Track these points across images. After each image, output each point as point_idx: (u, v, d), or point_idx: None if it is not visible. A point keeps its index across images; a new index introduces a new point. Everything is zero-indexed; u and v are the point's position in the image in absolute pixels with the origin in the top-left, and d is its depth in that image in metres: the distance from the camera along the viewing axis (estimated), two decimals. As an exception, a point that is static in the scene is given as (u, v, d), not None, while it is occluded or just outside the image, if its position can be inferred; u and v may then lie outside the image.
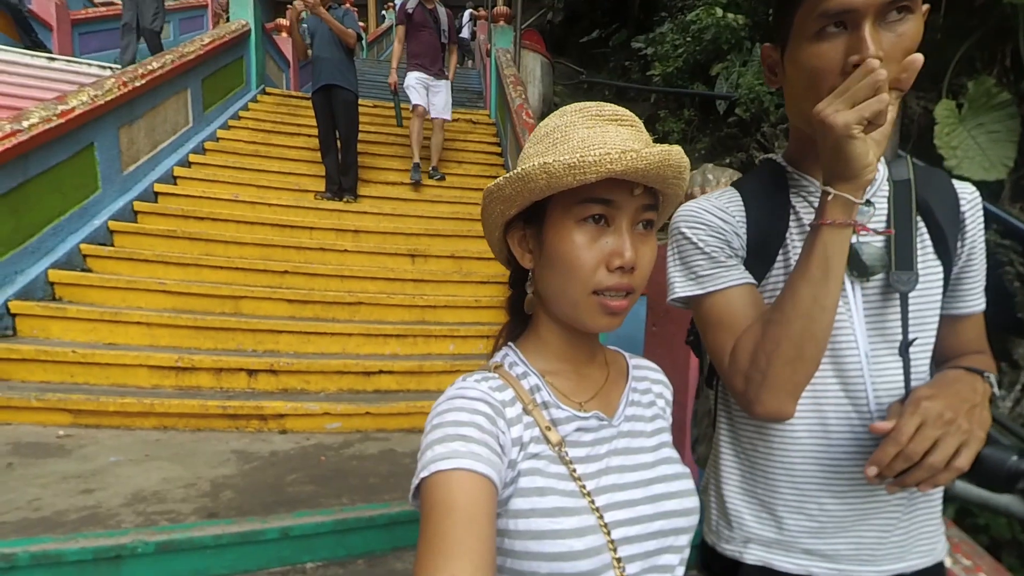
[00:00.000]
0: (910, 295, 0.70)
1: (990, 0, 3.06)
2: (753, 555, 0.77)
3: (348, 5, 5.09)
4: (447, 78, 4.82)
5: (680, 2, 6.01)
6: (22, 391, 2.55)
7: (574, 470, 0.58)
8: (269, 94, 5.88)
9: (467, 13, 11.24)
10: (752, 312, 0.71)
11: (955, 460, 0.58)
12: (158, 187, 4.08)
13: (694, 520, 0.64)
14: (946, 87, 3.24)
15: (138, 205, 3.85)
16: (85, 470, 2.08)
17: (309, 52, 4.53)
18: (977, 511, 2.14)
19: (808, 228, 0.69)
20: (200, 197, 4.12)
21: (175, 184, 4.26)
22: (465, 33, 10.89)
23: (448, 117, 4.84)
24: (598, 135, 0.57)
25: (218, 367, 2.86)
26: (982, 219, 0.78)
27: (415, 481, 0.52)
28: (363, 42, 11.54)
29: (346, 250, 3.89)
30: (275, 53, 6.59)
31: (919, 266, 0.71)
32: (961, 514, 2.27)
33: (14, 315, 2.91)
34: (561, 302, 0.61)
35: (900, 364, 0.70)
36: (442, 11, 4.73)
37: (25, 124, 3.14)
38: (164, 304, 3.21)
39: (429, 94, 4.73)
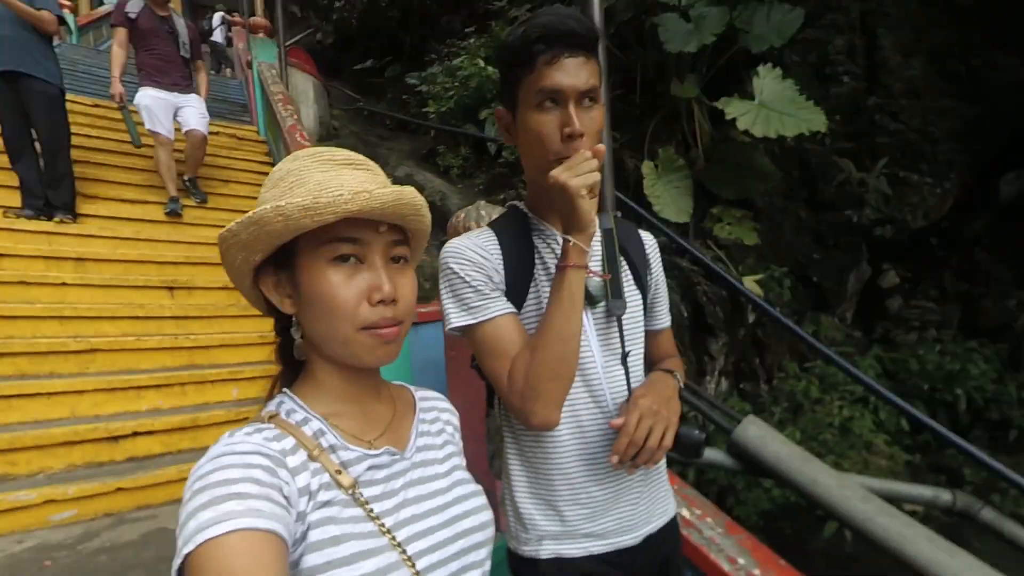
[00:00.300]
0: (623, 318, 0.92)
1: (666, 88, 4.19)
2: (547, 550, 0.90)
3: None
4: (197, 92, 4.08)
5: (446, 48, 6.49)
6: None
7: (371, 510, 0.58)
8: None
9: (218, 16, 10.03)
10: (518, 338, 0.85)
11: (664, 441, 0.81)
12: None
13: (490, 532, 0.69)
14: (646, 150, 4.31)
15: None
16: None
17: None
18: (707, 469, 2.88)
19: (551, 267, 0.91)
20: None
21: None
22: (218, 37, 9.70)
23: (205, 131, 4.09)
24: (333, 178, 0.59)
25: None
26: (660, 258, 1.05)
27: (176, 562, 0.45)
28: (71, 25, 9.20)
29: (65, 283, 3.00)
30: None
31: (626, 295, 0.93)
32: (698, 473, 3.01)
33: None
34: (332, 343, 0.61)
35: (623, 371, 0.92)
36: (180, 22, 3.94)
37: None
38: None
39: (176, 113, 3.95)
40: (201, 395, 2.76)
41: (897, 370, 4.19)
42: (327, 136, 6.14)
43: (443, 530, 0.64)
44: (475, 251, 0.88)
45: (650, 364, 1.03)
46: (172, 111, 3.91)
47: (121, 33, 3.75)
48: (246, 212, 0.57)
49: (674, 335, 1.09)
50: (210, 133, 5.17)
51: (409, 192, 0.61)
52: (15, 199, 3.40)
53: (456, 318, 0.86)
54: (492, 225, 0.96)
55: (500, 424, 0.97)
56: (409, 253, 0.65)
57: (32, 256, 3.10)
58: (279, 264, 0.61)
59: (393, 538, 0.57)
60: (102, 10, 11.52)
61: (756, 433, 2.41)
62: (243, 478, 0.48)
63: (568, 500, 0.90)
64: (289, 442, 0.57)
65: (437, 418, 0.77)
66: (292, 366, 0.67)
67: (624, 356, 0.91)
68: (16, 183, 3.41)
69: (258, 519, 0.45)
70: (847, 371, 2.64)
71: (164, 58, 3.79)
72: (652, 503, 0.95)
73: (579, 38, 0.81)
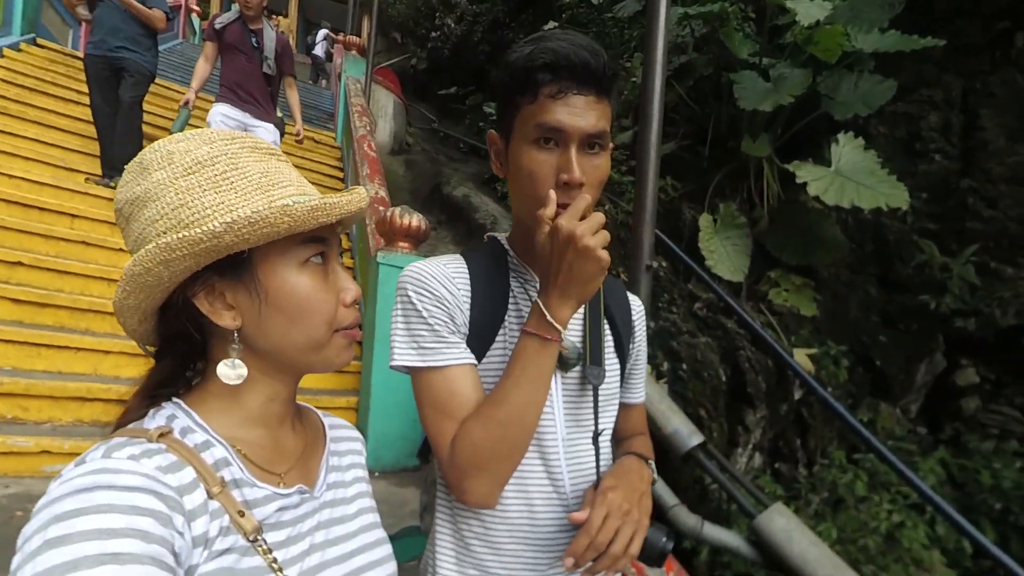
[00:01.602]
0: (600, 389, 0.79)
1: (736, 145, 4.03)
2: None
3: None
4: (273, 120, 3.74)
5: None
6: None
7: (274, 560, 0.51)
8: (41, 46, 4.82)
9: (322, 32, 10.90)
10: (471, 395, 0.72)
11: (630, 547, 0.67)
12: None
13: None
14: (707, 203, 4.12)
15: None
16: None
17: (83, 11, 3.85)
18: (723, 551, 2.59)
19: (525, 316, 0.77)
20: None
21: None
22: (319, 51, 10.50)
23: None
24: (273, 169, 0.55)
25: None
26: (644, 327, 0.92)
27: None
28: (195, 27, 10.29)
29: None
30: (59, 4, 5.49)
31: (606, 363, 0.81)
32: (713, 553, 2.71)
33: None
34: (302, 349, 0.55)
35: (592, 450, 0.79)
36: (270, 35, 3.65)
37: None
38: None
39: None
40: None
41: (966, 480, 3.66)
42: (399, 150, 6.41)
43: None
44: (440, 281, 0.75)
45: (618, 440, 0.91)
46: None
47: (208, 47, 3.69)
48: None
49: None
50: (293, 133, 5.60)
51: (366, 197, 0.59)
52: (96, 167, 3.72)
53: (402, 355, 0.73)
54: (466, 255, 0.83)
55: (436, 478, 0.84)
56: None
57: (99, 220, 3.35)
58: (222, 272, 0.52)
59: None
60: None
61: (782, 525, 2.14)
62: (125, 529, 0.39)
63: None
64: (188, 474, 0.47)
65: (348, 450, 0.71)
66: (177, 375, 0.56)
67: (596, 435, 0.78)
68: (99, 153, 3.75)
69: None
70: (901, 473, 2.31)
71: (243, 72, 3.60)
72: None
73: (593, 74, 0.70)
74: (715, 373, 3.23)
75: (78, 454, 1.75)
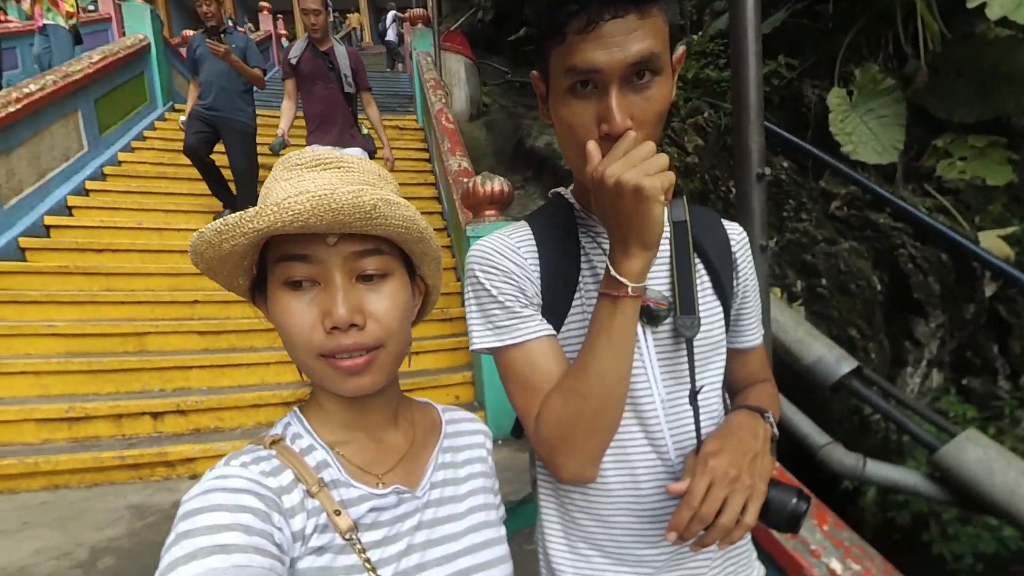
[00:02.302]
0: (696, 340, 0.70)
1: (871, -9, 3.20)
2: None
3: (244, 30, 4.56)
4: (360, 143, 3.56)
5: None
6: None
7: (368, 559, 0.52)
8: (179, 111, 5.55)
9: (390, 15, 11.00)
10: (553, 367, 0.68)
11: (744, 516, 0.59)
12: (49, 220, 3.77)
13: None
14: (837, 75, 3.38)
15: (24, 241, 3.54)
16: (-55, 550, 1.87)
17: (191, 87, 3.99)
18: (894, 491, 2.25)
19: (601, 273, 0.67)
20: (99, 227, 3.85)
21: (70, 215, 3.95)
22: (391, 35, 10.66)
23: None
24: (294, 186, 0.54)
25: (117, 413, 2.66)
26: (751, 257, 0.80)
27: None
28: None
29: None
30: (183, 66, 6.25)
31: (700, 307, 0.72)
32: (881, 493, 2.38)
33: None
34: (303, 370, 0.56)
35: (692, 412, 0.70)
36: (341, 52, 3.50)
37: None
38: (55, 348, 2.96)
39: None
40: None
41: None
42: (477, 114, 6.31)
43: None
44: (505, 255, 0.71)
45: (733, 391, 0.83)
46: None
47: (288, 85, 3.53)
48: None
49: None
50: (378, 127, 5.86)
51: (345, 194, 0.49)
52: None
53: (480, 338, 0.71)
54: (530, 219, 0.78)
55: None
56: (388, 266, 0.55)
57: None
58: (257, 285, 0.58)
59: None
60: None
61: (978, 455, 1.78)
62: (231, 525, 0.44)
63: (613, 560, 0.73)
64: (287, 477, 0.52)
65: (466, 445, 0.69)
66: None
67: (694, 393, 0.69)
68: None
69: None
70: None
71: (324, 101, 3.43)
72: (727, 565, 0.75)
73: None
74: (866, 283, 2.70)
75: None
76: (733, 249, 0.78)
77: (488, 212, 2.94)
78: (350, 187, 0.51)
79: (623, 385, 0.64)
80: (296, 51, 3.44)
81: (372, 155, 3.68)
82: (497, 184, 2.91)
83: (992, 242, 2.92)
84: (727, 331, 0.76)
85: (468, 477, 0.66)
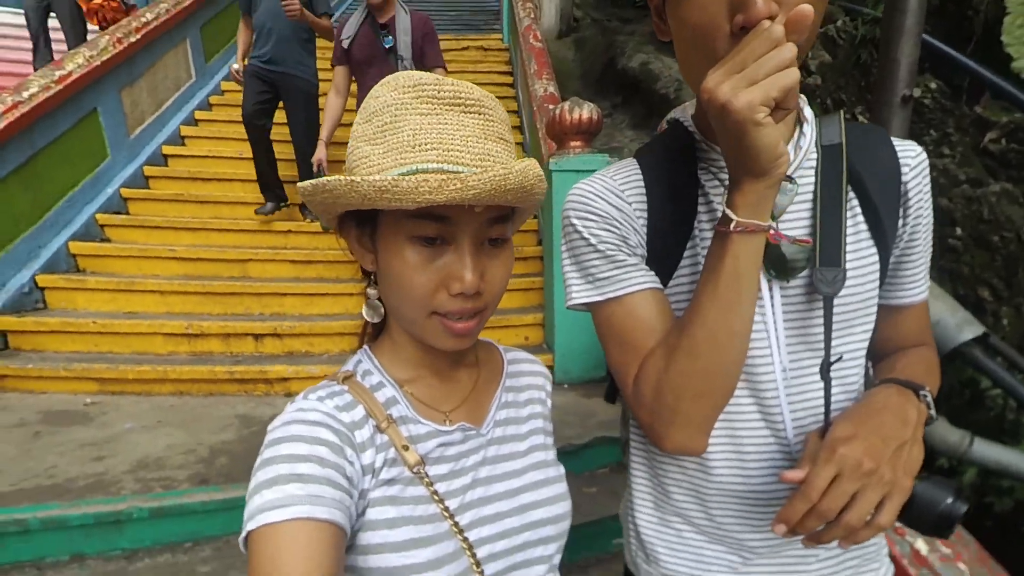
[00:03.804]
0: (837, 299, 0.59)
1: None
2: None
3: None
4: None
5: None
6: (53, 361, 2.76)
7: (435, 492, 0.55)
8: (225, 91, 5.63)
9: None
10: (657, 323, 0.60)
11: (877, 516, 0.50)
12: (166, 149, 4.12)
13: (564, 527, 0.63)
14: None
15: (148, 170, 3.91)
16: (101, 437, 2.27)
17: (242, 28, 3.44)
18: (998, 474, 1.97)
19: (717, 213, 0.60)
20: (207, 157, 4.14)
21: (183, 144, 4.28)
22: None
23: None
24: (433, 125, 0.49)
25: (226, 332, 2.97)
26: (929, 188, 0.65)
27: (242, 534, 0.46)
28: None
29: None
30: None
31: (849, 256, 0.59)
32: (984, 475, 2.11)
33: (42, 288, 3.10)
34: (402, 319, 0.58)
35: (822, 385, 0.60)
36: (404, 22, 2.72)
37: (26, 95, 3.18)
38: (176, 271, 3.32)
39: None
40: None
41: None
42: (566, 31, 5.81)
43: (511, 517, 0.59)
44: (605, 198, 0.63)
45: (878, 357, 0.69)
46: None
47: (338, 75, 2.84)
48: None
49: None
50: (461, 48, 5.60)
51: (518, 174, 0.48)
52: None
53: (578, 291, 0.65)
54: (639, 154, 0.68)
55: (630, 415, 0.76)
56: (507, 230, 0.56)
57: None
58: (363, 219, 0.56)
59: (455, 524, 0.55)
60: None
61: None
62: (308, 455, 0.48)
63: (709, 538, 0.67)
64: (359, 412, 0.54)
65: (527, 385, 0.70)
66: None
67: (827, 363, 0.58)
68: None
69: (317, 507, 0.45)
70: None
71: None
72: (847, 559, 0.65)
73: None
74: (1015, 235, 2.23)
75: None
76: (904, 179, 0.62)
77: (574, 143, 2.77)
78: (486, 173, 0.47)
79: (737, 344, 0.55)
80: (350, 28, 2.69)
81: None
82: (586, 112, 2.70)
83: None
84: (881, 285, 0.63)
85: (529, 417, 0.67)
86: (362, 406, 0.55)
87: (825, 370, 0.59)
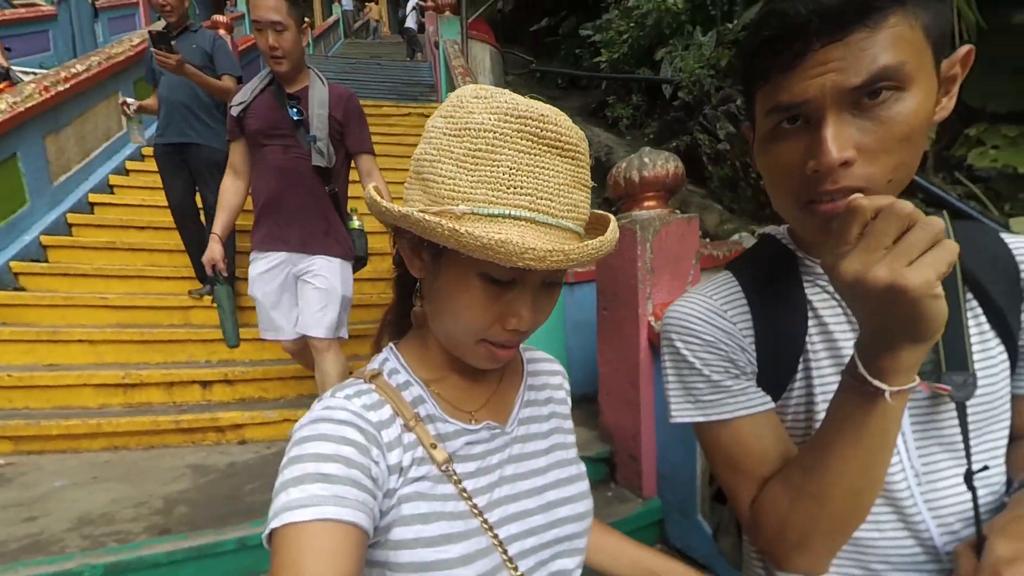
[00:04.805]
0: (971, 403, 0.56)
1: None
2: None
3: (221, 29, 3.91)
4: (339, 248, 2.11)
5: (624, -10, 6.08)
6: (-45, 421, 2.41)
7: (463, 489, 0.55)
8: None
9: (411, 2, 10.99)
10: (769, 447, 0.59)
11: None
12: (93, 197, 3.89)
13: (586, 524, 0.63)
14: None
15: (72, 217, 3.66)
16: (27, 497, 1.99)
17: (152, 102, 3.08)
18: None
19: (833, 332, 0.59)
20: (140, 206, 3.95)
21: (112, 193, 4.07)
22: (411, 23, 10.65)
23: (329, 335, 2.09)
24: (530, 169, 0.47)
25: (169, 381, 2.77)
26: None
27: (265, 531, 0.45)
28: (309, 37, 11.11)
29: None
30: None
31: (976, 359, 0.57)
32: None
33: (-57, 341, 2.74)
34: (445, 337, 0.57)
35: (968, 492, 0.57)
36: (320, 92, 2.04)
37: (-62, 136, 2.94)
38: (107, 319, 3.07)
39: (294, 293, 2.11)
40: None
41: None
42: (502, 103, 6.34)
43: (538, 515, 0.59)
44: (711, 322, 0.62)
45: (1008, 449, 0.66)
46: (283, 290, 2.09)
47: (233, 153, 2.11)
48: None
49: None
50: (404, 115, 5.91)
51: (608, 243, 0.50)
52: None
53: (680, 411, 0.64)
54: (736, 268, 0.66)
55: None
56: (564, 276, 0.56)
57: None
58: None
59: (485, 521, 0.55)
60: (331, 20, 13.80)
61: None
62: (334, 455, 0.47)
63: None
64: (386, 411, 0.54)
65: (546, 384, 0.71)
66: (404, 310, 0.64)
67: (970, 472, 0.56)
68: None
69: (341, 509, 0.45)
70: None
71: (278, 178, 2.01)
72: None
73: (847, 7, 0.48)
74: None
75: None
76: (1021, 267, 0.60)
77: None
78: (586, 245, 0.48)
79: (875, 488, 0.52)
80: (245, 93, 2.01)
81: (360, 262, 2.25)
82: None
83: (1021, 229, 2.95)
84: (1012, 376, 0.60)
85: (550, 416, 0.68)
86: (389, 405, 0.54)
87: (969, 479, 0.55)
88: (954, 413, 0.57)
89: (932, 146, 3.18)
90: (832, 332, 0.60)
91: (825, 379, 0.60)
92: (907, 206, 0.43)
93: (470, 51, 6.32)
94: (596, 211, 0.59)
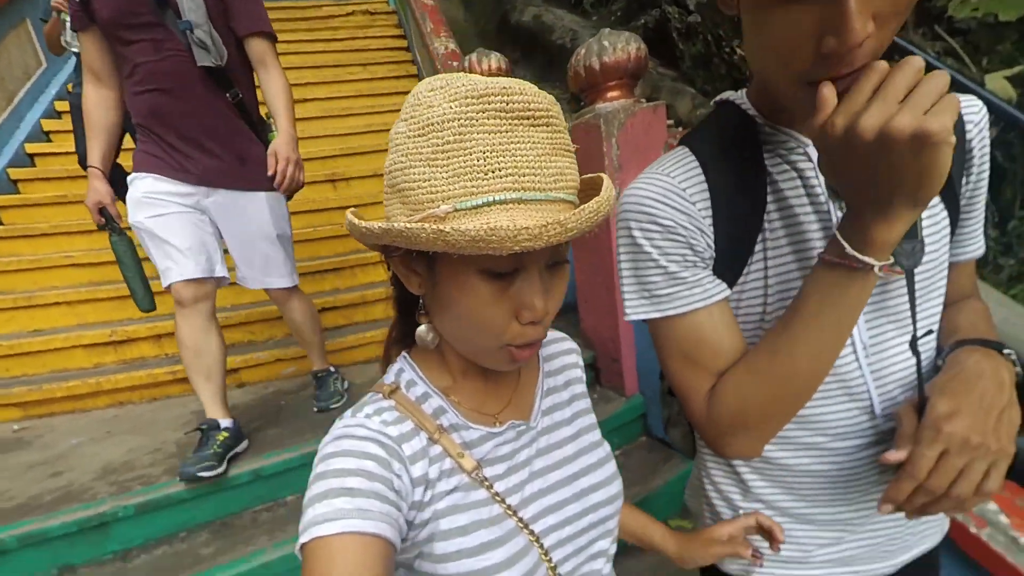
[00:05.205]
0: (919, 269, 0.58)
1: None
2: (766, 574, 0.69)
3: None
4: (260, 184, 1.71)
5: None
6: (-43, 395, 2.49)
7: (496, 493, 0.56)
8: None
9: None
10: (724, 338, 0.60)
11: (985, 483, 0.49)
12: (29, 147, 3.64)
13: (619, 504, 0.65)
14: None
15: (13, 172, 3.46)
16: (49, 456, 2.13)
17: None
18: None
19: (794, 208, 0.57)
20: (82, 152, 3.71)
21: (49, 141, 3.80)
22: None
23: (287, 283, 1.93)
24: (505, 148, 0.45)
25: (156, 334, 2.81)
26: (988, 142, 0.62)
27: (297, 545, 0.47)
28: None
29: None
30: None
31: (924, 224, 0.58)
32: None
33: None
34: (465, 346, 0.56)
35: (907, 350, 0.60)
36: None
37: None
38: (79, 279, 3.04)
39: (208, 223, 1.72)
40: (367, 276, 3.23)
41: None
42: (454, -13, 5.73)
43: (572, 504, 0.60)
44: (670, 203, 0.58)
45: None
46: (193, 224, 1.67)
47: (86, 49, 1.59)
48: (388, 93, 0.47)
49: None
50: (347, 14, 5.35)
51: (605, 202, 0.48)
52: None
53: (634, 308, 0.63)
54: (691, 141, 0.62)
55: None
56: (567, 251, 0.54)
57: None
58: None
59: (520, 520, 0.56)
60: None
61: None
62: (356, 469, 0.48)
63: (797, 521, 0.67)
64: (407, 425, 0.54)
65: (563, 366, 0.70)
66: (410, 321, 0.61)
67: (915, 339, 0.57)
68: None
69: (365, 521, 0.46)
70: None
71: (161, 83, 1.55)
72: (925, 523, 0.69)
73: None
74: None
75: (301, 358, 2.77)
76: (968, 136, 0.60)
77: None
78: (581, 214, 0.45)
79: (830, 364, 0.54)
80: None
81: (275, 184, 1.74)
82: (494, 60, 2.78)
83: (997, 84, 2.87)
84: (951, 244, 0.62)
85: (571, 399, 0.68)
86: (410, 419, 0.55)
87: (914, 344, 0.57)
88: (900, 282, 0.58)
89: None
90: (792, 207, 0.58)
91: (780, 260, 0.59)
92: (919, 60, 0.43)
93: (411, -74, 5.56)
94: (586, 176, 0.56)
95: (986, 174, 0.63)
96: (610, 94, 1.94)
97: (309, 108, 4.28)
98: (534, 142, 0.46)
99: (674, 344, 0.62)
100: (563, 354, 0.71)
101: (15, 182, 3.47)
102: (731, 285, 0.61)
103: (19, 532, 1.63)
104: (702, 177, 0.59)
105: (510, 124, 0.45)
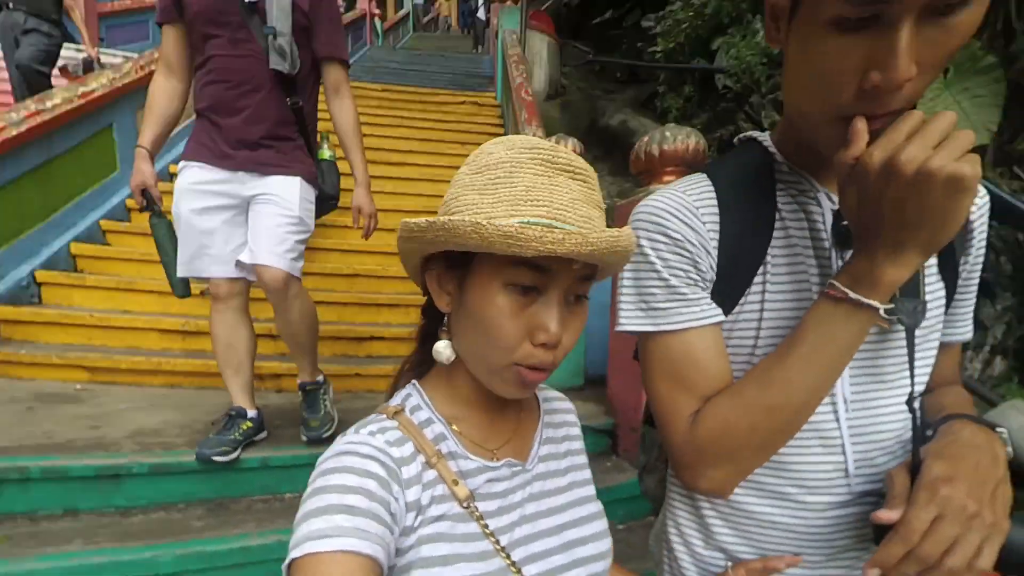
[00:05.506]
0: (919, 331, 0.57)
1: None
2: None
3: None
4: (297, 166, 1.79)
5: (691, -19, 5.94)
6: (45, 350, 2.80)
7: (486, 526, 0.55)
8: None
9: (481, -6, 11.11)
10: (713, 364, 0.59)
11: (977, 559, 0.47)
12: (172, 168, 4.31)
13: (608, 562, 0.64)
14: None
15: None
16: (95, 413, 2.31)
17: None
18: None
19: (798, 249, 0.58)
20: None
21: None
22: (483, 14, 10.73)
23: (283, 266, 1.78)
24: (544, 185, 0.51)
25: (221, 331, 3.06)
26: (986, 229, 0.65)
27: (286, 560, 0.46)
28: (378, 29, 11.52)
29: (347, 226, 4.03)
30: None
31: (928, 292, 0.59)
32: None
33: (40, 284, 3.17)
34: (477, 364, 0.57)
35: (891, 411, 0.60)
36: None
37: (48, 104, 3.39)
38: (175, 275, 3.43)
39: (245, 220, 1.80)
40: (418, 316, 3.37)
41: None
42: (554, 94, 6.40)
43: (558, 555, 0.59)
44: (681, 217, 0.60)
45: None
46: (231, 222, 1.77)
47: (166, 40, 1.72)
48: None
49: None
50: (459, 103, 6.09)
51: (626, 238, 0.51)
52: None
53: (628, 318, 0.63)
54: (712, 170, 0.64)
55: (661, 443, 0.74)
56: (589, 289, 0.57)
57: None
58: (451, 261, 0.56)
59: (508, 557, 0.55)
60: (401, 14, 14.26)
61: (1022, 423, 1.72)
62: (358, 487, 0.48)
63: None
64: (408, 448, 0.54)
65: (563, 422, 0.71)
66: (426, 353, 0.63)
67: (911, 396, 0.56)
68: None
69: (362, 541, 0.45)
70: None
71: (227, 78, 1.68)
72: None
73: None
74: None
75: (340, 376, 2.64)
76: (971, 219, 0.62)
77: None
78: (602, 233, 0.49)
79: (816, 406, 0.55)
80: None
81: (328, 204, 1.95)
82: (571, 144, 3.02)
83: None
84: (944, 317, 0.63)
85: (566, 454, 0.68)
86: (411, 442, 0.55)
87: (911, 403, 0.56)
88: (892, 343, 0.59)
89: (994, 139, 2.94)
90: (796, 247, 0.59)
91: (777, 296, 0.59)
92: (952, 115, 0.46)
93: (528, 42, 6.41)
94: (613, 228, 0.60)
95: (982, 258, 0.64)
96: (666, 178, 2.05)
97: (409, 171, 4.80)
98: (571, 189, 0.51)
99: (663, 363, 0.61)
100: (564, 412, 0.72)
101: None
102: (726, 313, 0.61)
103: (45, 464, 1.77)
104: (714, 200, 0.61)
105: (553, 172, 0.51)
